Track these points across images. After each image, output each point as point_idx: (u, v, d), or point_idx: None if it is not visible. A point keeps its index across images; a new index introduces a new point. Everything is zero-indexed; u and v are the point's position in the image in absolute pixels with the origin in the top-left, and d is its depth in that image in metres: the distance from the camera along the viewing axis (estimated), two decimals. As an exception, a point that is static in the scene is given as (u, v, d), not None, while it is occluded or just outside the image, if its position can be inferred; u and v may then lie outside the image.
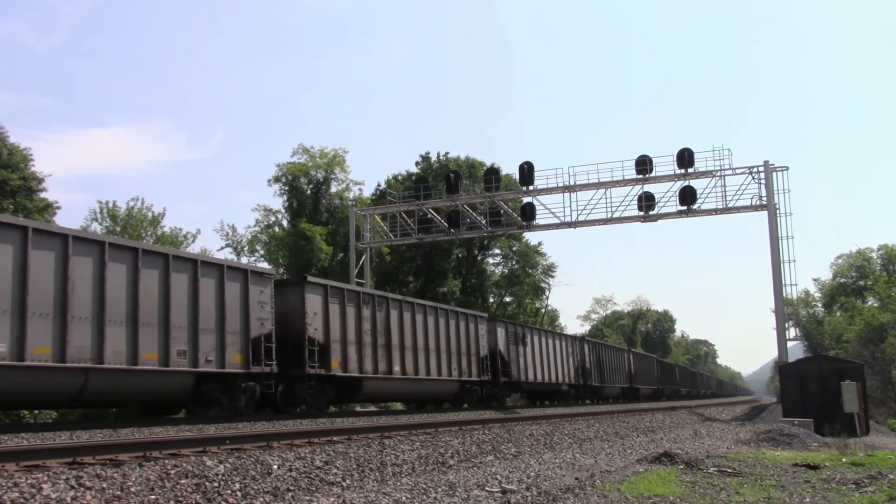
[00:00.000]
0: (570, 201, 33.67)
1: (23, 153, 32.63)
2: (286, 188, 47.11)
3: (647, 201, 32.86)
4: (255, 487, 8.28)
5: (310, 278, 20.13)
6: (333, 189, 48.39)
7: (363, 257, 37.13)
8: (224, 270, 17.12)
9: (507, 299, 58.60)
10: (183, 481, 7.91)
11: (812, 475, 10.73)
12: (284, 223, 47.60)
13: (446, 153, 52.08)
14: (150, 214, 39.38)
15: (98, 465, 8.20)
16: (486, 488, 9.03)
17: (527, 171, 33.93)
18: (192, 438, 10.46)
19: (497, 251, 56.36)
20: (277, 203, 64.84)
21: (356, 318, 21.01)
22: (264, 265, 43.23)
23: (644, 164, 32.65)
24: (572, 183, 33.42)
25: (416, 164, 52.48)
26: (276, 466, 9.13)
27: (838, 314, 58.65)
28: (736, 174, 32.33)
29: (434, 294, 45.93)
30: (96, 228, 37.45)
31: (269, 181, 47.20)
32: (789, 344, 34.45)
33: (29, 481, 7.08)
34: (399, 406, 29.39)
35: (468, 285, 52.32)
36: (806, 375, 26.32)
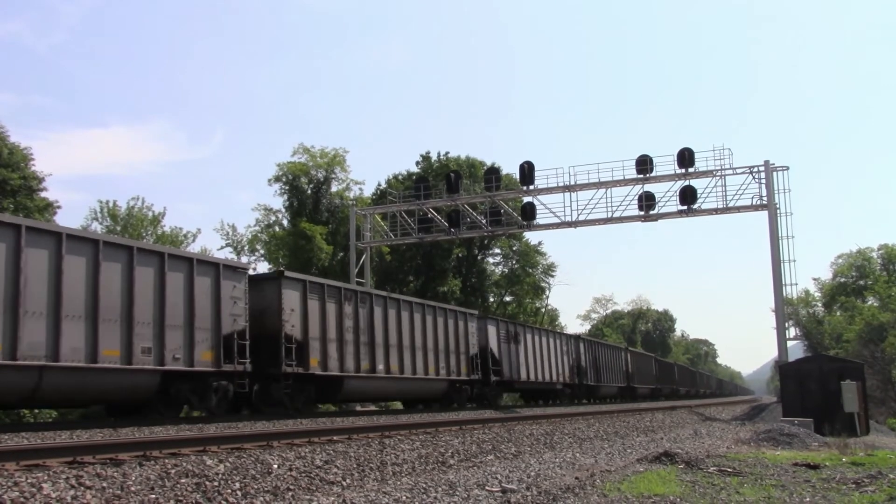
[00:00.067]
0: (571, 201, 33.73)
1: (23, 153, 32.65)
2: (286, 188, 47.11)
3: (647, 201, 32.86)
4: (256, 487, 8.28)
5: (287, 273, 19.39)
6: (334, 189, 48.41)
7: (363, 257, 37.13)
8: (194, 264, 16.38)
9: (507, 299, 58.61)
10: (183, 481, 7.91)
11: (812, 475, 10.73)
12: (285, 223, 47.61)
13: (446, 153, 52.15)
14: (150, 214, 39.46)
15: (98, 464, 8.20)
16: (487, 488, 9.03)
17: (527, 170, 33.94)
18: (193, 438, 10.46)
19: (497, 251, 56.38)
20: (278, 203, 64.91)
21: (337, 315, 20.32)
22: (264, 264, 43.29)
23: (644, 164, 32.65)
24: (572, 183, 33.44)
25: (417, 163, 52.52)
26: (276, 466, 9.13)
27: (838, 314, 58.67)
28: (736, 174, 32.35)
29: (434, 294, 45.92)
30: (97, 228, 37.51)
31: (269, 181, 47.25)
32: (789, 344, 34.45)
33: (29, 481, 7.08)
34: (399, 405, 29.29)
35: (468, 285, 52.32)
36: (806, 375, 26.33)
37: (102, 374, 14.18)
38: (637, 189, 33.00)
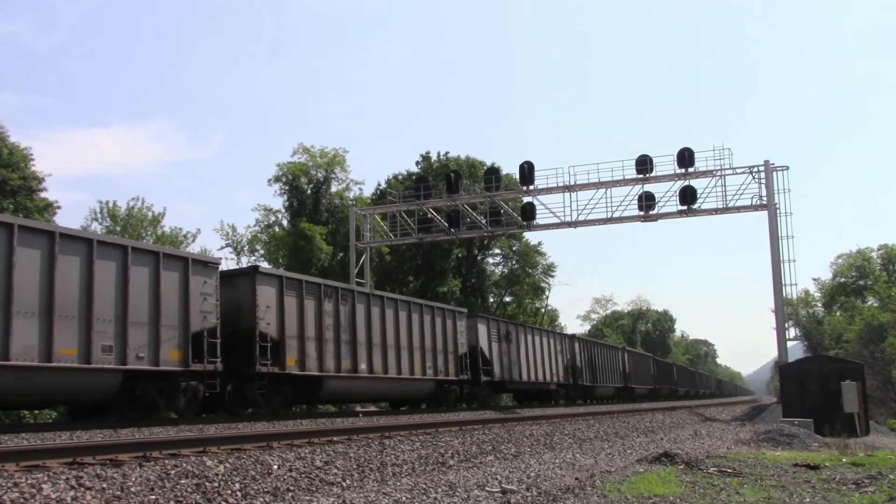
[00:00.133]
0: (570, 201, 33.69)
1: (23, 153, 32.65)
2: (286, 188, 47.08)
3: (647, 201, 32.85)
4: (255, 487, 8.28)
5: (262, 268, 18.77)
6: (333, 189, 48.39)
7: (363, 257, 37.13)
8: (160, 258, 15.67)
9: (507, 299, 58.62)
10: (183, 481, 7.91)
11: (812, 475, 10.73)
12: (284, 223, 47.59)
13: (446, 153, 52.14)
14: (150, 214, 39.45)
15: (98, 465, 8.20)
16: (486, 488, 9.03)
17: (527, 170, 33.93)
18: (192, 439, 10.46)
19: (497, 251, 56.37)
20: (277, 203, 64.91)
21: (316, 313, 19.66)
22: (265, 265, 43.24)
23: (644, 164, 32.64)
24: (572, 183, 33.42)
25: (417, 163, 52.51)
26: (276, 466, 9.13)
27: (838, 314, 58.70)
28: (736, 174, 32.34)
29: (434, 294, 45.92)
30: (96, 228, 37.49)
31: (269, 181, 47.22)
32: (789, 344, 34.46)
33: (29, 481, 7.08)
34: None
35: (468, 285, 52.32)
36: (806, 375, 26.35)
37: (58, 373, 13.50)
38: (637, 189, 33.00)
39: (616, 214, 33.30)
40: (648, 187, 32.98)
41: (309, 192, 47.41)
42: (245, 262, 45.85)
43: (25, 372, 13.07)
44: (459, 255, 52.26)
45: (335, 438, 12.10)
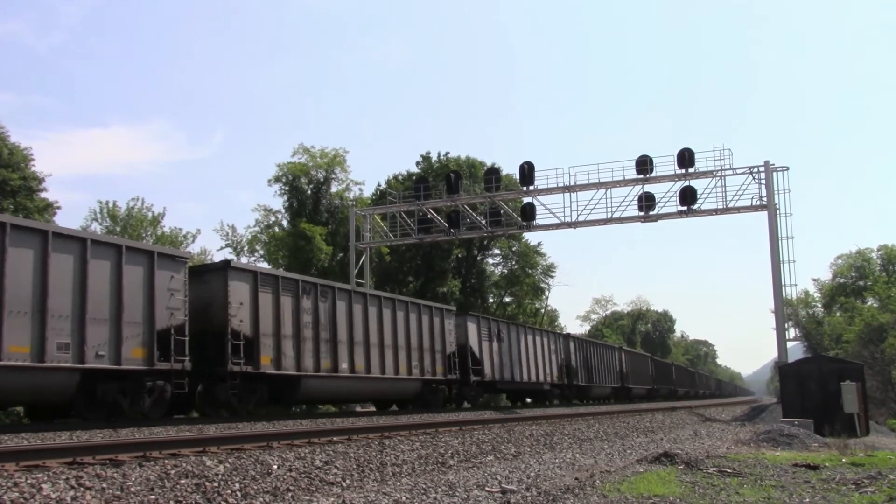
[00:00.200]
0: (570, 201, 33.69)
1: (23, 153, 32.67)
2: (286, 188, 47.09)
3: (647, 201, 32.86)
4: (255, 487, 8.28)
5: (234, 263, 18.00)
6: (333, 189, 48.40)
7: (363, 257, 37.13)
8: (122, 252, 14.90)
9: (507, 299, 58.62)
10: (183, 481, 7.91)
11: (812, 475, 10.73)
12: (284, 223, 47.59)
13: (447, 153, 52.15)
14: (150, 214, 39.46)
15: (98, 465, 8.20)
16: (486, 488, 9.03)
17: (527, 171, 33.94)
18: (192, 438, 10.47)
19: (497, 251, 56.37)
20: (277, 203, 64.91)
21: (294, 310, 18.98)
22: (264, 265, 43.25)
23: (644, 164, 32.65)
24: (572, 183, 33.43)
25: (417, 164, 52.52)
26: (275, 466, 9.14)
27: (838, 314, 58.70)
28: (736, 174, 32.35)
29: (434, 294, 45.91)
30: (96, 228, 37.49)
31: (269, 181, 47.21)
32: (789, 344, 34.47)
33: (29, 481, 7.08)
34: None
35: (468, 285, 52.32)
36: (806, 376, 26.36)
37: (9, 372, 12.84)
38: (637, 189, 33.01)
39: (616, 215, 33.32)
40: (648, 188, 33.02)
41: (309, 192, 47.43)
42: (245, 262, 45.84)
43: None
44: (459, 255, 52.26)
45: (335, 438, 12.11)
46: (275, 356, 18.25)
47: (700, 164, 32.43)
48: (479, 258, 54.60)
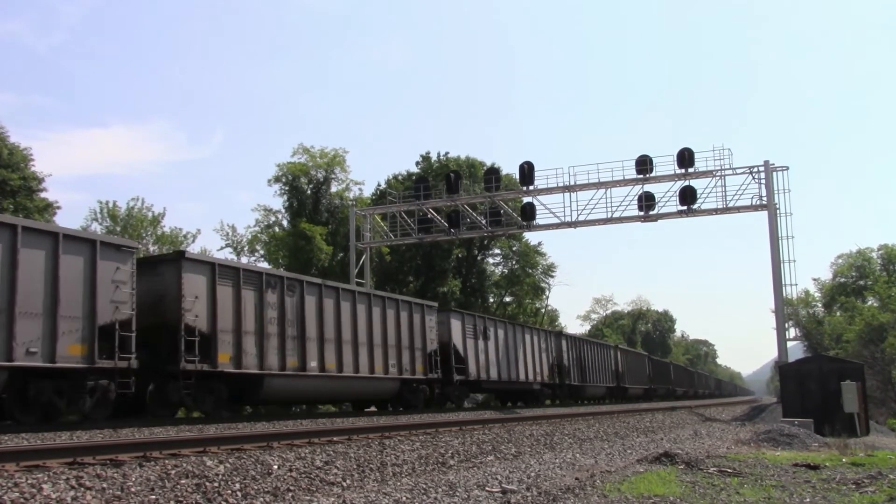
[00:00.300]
0: (570, 201, 33.74)
1: (23, 153, 32.73)
2: (286, 188, 47.13)
3: (647, 201, 32.89)
4: (256, 487, 8.28)
5: (189, 253, 16.90)
6: (333, 189, 48.45)
7: (363, 257, 37.15)
8: (59, 240, 13.74)
9: (507, 299, 58.64)
10: (183, 481, 7.91)
11: (812, 475, 10.73)
12: (284, 223, 47.64)
13: (446, 153, 52.19)
14: (150, 214, 39.49)
15: (98, 465, 8.20)
16: (487, 488, 9.03)
17: (527, 171, 33.96)
18: (193, 439, 10.47)
19: (497, 251, 56.39)
20: (277, 203, 64.91)
21: (257, 304, 17.92)
22: (264, 265, 43.26)
23: (644, 164, 32.68)
24: (572, 183, 33.46)
25: (417, 163, 52.56)
26: (276, 466, 9.14)
27: (838, 314, 58.72)
28: (736, 174, 32.39)
29: (434, 294, 45.93)
30: (96, 228, 37.48)
31: (269, 181, 47.28)
32: (789, 344, 34.48)
33: (29, 481, 7.08)
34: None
35: (468, 285, 52.34)
36: (806, 375, 26.39)
37: None
38: (637, 189, 33.03)
39: (616, 214, 33.35)
40: (648, 187, 33.06)
41: (309, 192, 47.46)
42: (245, 262, 45.85)
43: None
44: (459, 255, 52.28)
45: (335, 438, 12.11)
46: (234, 354, 17.17)
47: (700, 164, 32.53)
48: (479, 258, 54.62)
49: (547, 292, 60.78)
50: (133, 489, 7.40)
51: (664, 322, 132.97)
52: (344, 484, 9.18)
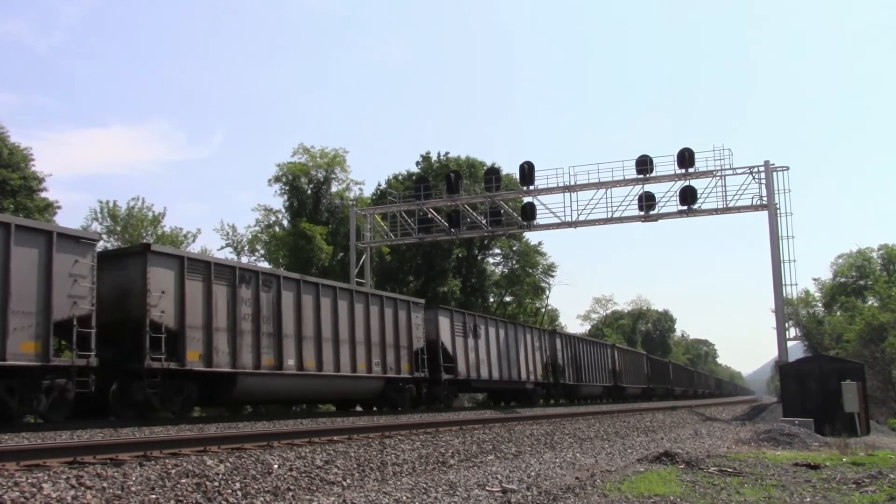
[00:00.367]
0: (571, 201, 33.81)
1: (23, 153, 32.74)
2: (286, 188, 47.17)
3: (647, 201, 32.92)
4: (256, 487, 8.28)
5: (155, 246, 16.20)
6: (334, 189, 48.50)
7: (363, 257, 37.17)
8: (11, 231, 12.98)
9: (508, 299, 58.66)
10: (183, 481, 7.91)
11: (812, 475, 10.74)
12: (285, 223, 47.67)
13: (447, 153, 52.23)
14: (150, 214, 39.53)
15: (98, 464, 8.20)
16: (487, 488, 9.03)
17: (527, 170, 33.99)
18: (193, 438, 10.47)
19: (497, 251, 56.43)
20: (278, 203, 64.93)
21: (229, 300, 17.23)
22: (264, 264, 43.26)
23: (644, 164, 32.71)
24: (572, 183, 33.49)
25: (417, 163, 52.60)
26: (276, 466, 9.13)
27: (838, 314, 58.72)
28: (736, 174, 32.42)
29: (434, 294, 45.95)
30: (96, 228, 37.51)
31: (269, 181, 47.33)
32: (789, 344, 34.50)
33: (29, 481, 7.08)
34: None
35: (468, 285, 52.36)
36: (806, 375, 26.40)
37: None
38: (637, 189, 33.07)
39: (616, 214, 33.38)
40: (648, 187, 33.10)
41: (309, 192, 47.49)
42: (245, 262, 45.85)
43: None
44: (459, 255, 52.30)
45: (335, 438, 12.11)
46: (205, 351, 16.46)
47: (700, 164, 32.58)
48: (479, 258, 54.65)
49: (547, 292, 60.90)
50: (133, 488, 7.40)
51: (664, 322, 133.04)
52: (344, 483, 9.18)
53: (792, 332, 39.17)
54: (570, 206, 33.65)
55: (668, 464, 11.40)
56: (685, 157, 32.38)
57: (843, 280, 63.26)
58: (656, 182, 33.08)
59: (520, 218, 35.19)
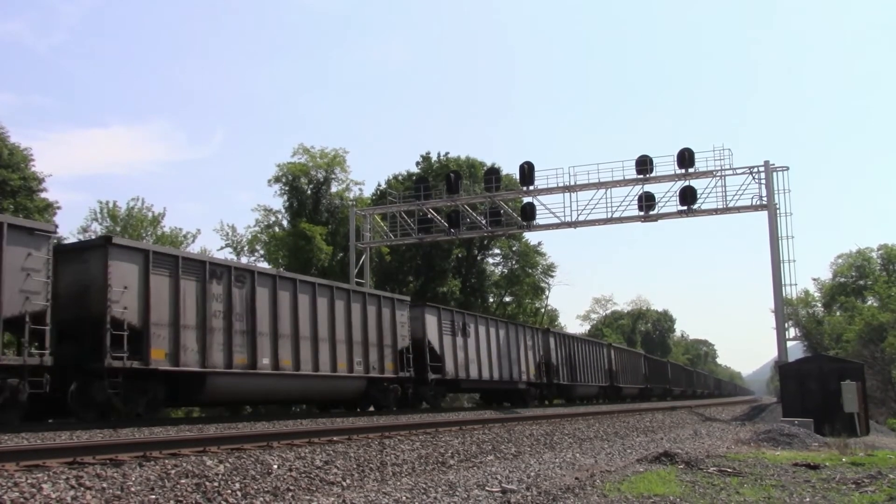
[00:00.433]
0: (571, 201, 33.75)
1: (23, 153, 32.74)
2: (286, 188, 47.17)
3: (647, 201, 32.90)
4: (256, 487, 8.28)
5: (117, 239, 15.40)
6: (333, 189, 48.48)
7: (363, 257, 37.16)
8: None
9: (507, 299, 58.66)
10: (183, 481, 7.91)
11: (812, 475, 10.74)
12: (284, 223, 47.67)
13: (446, 153, 52.23)
14: (150, 214, 39.52)
15: (98, 464, 8.20)
16: (487, 488, 9.03)
17: (527, 171, 33.98)
18: (192, 438, 10.47)
19: (497, 251, 56.42)
20: (277, 203, 64.95)
21: (199, 296, 16.48)
22: (264, 264, 43.27)
23: (644, 164, 32.70)
24: (572, 183, 33.48)
25: (417, 164, 52.60)
26: (276, 466, 9.14)
27: (838, 314, 58.73)
28: (736, 174, 32.40)
29: (434, 294, 45.94)
30: (96, 228, 37.50)
31: (269, 181, 47.31)
32: (789, 344, 34.48)
33: (29, 481, 7.08)
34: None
35: (468, 285, 52.36)
36: (806, 375, 26.39)
37: None
38: (637, 189, 33.05)
39: (616, 214, 33.36)
40: (648, 187, 33.07)
41: (309, 192, 47.49)
42: (245, 262, 45.85)
43: None
44: (459, 255, 52.30)
45: (335, 438, 12.11)
46: (171, 350, 15.74)
47: (700, 164, 32.53)
48: (479, 258, 54.65)
49: (547, 292, 60.86)
50: (133, 489, 7.40)
51: (664, 322, 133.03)
52: (344, 483, 9.18)
53: (792, 332, 39.23)
54: (570, 207, 33.66)
55: (668, 464, 11.41)
56: (685, 158, 32.38)
57: (842, 280, 63.28)
58: (656, 182, 33.08)
59: (519, 218, 35.17)
